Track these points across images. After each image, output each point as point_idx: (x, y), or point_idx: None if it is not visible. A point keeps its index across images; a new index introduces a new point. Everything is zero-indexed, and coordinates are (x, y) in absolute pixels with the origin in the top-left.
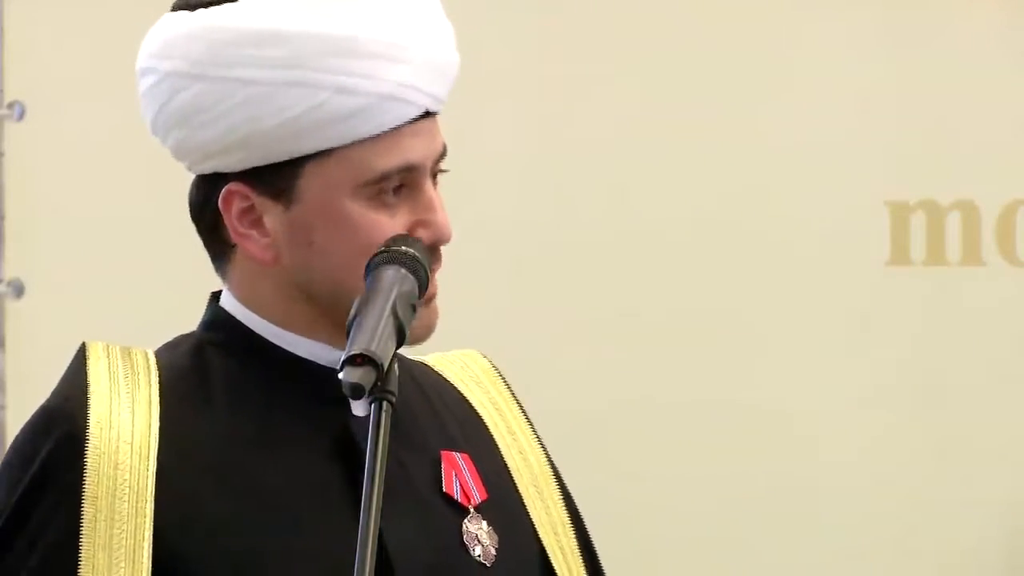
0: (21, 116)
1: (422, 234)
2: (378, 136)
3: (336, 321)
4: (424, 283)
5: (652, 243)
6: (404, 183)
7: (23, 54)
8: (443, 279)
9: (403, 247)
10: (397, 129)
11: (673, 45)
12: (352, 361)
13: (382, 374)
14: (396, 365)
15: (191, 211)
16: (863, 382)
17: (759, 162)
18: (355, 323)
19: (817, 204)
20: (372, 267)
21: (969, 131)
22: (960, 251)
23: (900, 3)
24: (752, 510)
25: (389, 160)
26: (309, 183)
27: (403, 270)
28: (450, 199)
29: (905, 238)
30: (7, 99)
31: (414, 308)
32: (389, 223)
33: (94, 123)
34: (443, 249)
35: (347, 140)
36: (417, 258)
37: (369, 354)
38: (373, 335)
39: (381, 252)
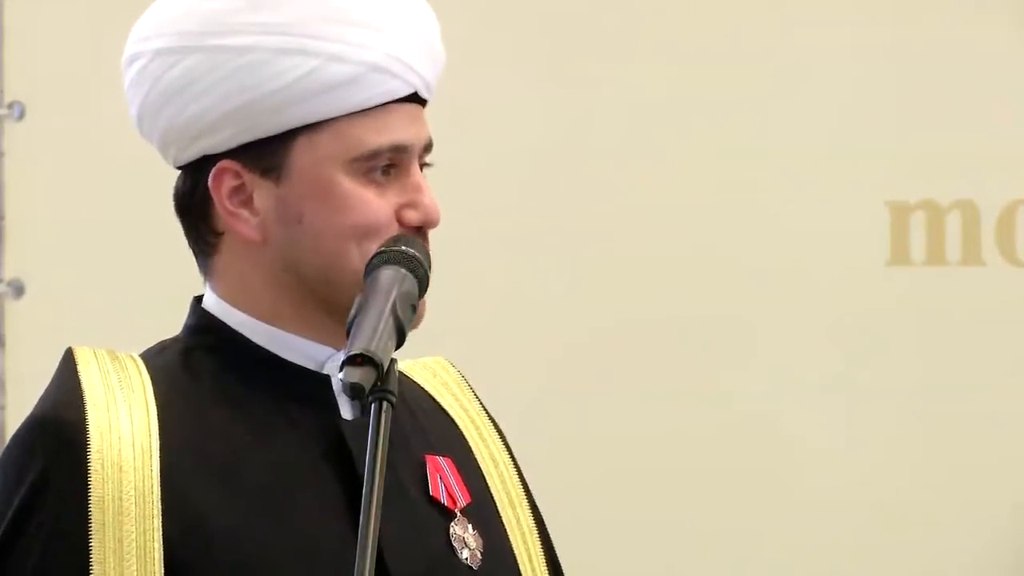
0: (21, 116)
1: (410, 216)
2: (368, 113)
3: (327, 307)
4: (424, 283)
5: (651, 243)
6: (393, 164)
7: (23, 54)
8: (444, 279)
9: (403, 247)
10: (387, 107)
11: (674, 46)
12: (352, 361)
13: (382, 374)
14: (396, 365)
15: (177, 203)
16: (863, 382)
17: (759, 162)
18: (355, 323)
19: (817, 204)
20: (372, 267)
21: (969, 131)
22: (960, 251)
23: (900, 4)
24: (751, 513)
25: (380, 137)
26: (300, 158)
27: (403, 270)
28: (454, 197)
29: (905, 238)
30: (7, 99)
31: (414, 308)
32: (378, 202)
33: (94, 123)
34: (448, 252)
35: (337, 112)
36: (417, 258)
37: (369, 354)
38: (373, 335)
39: (381, 252)
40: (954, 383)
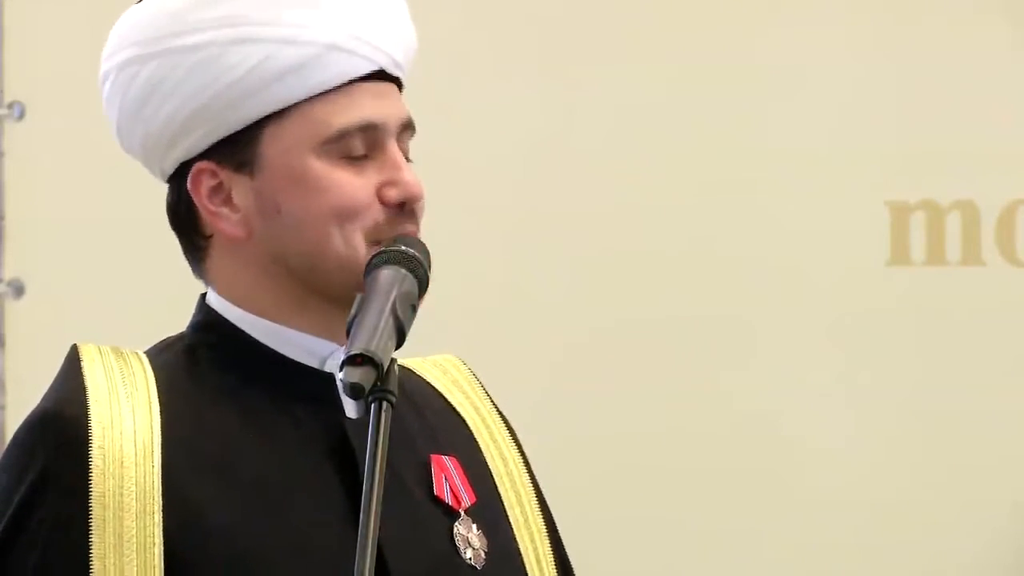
0: (21, 116)
1: (391, 194)
2: (334, 93)
3: (320, 295)
4: (424, 283)
5: (651, 243)
6: (367, 144)
7: (23, 54)
8: (444, 279)
9: (402, 247)
10: (352, 86)
11: (674, 45)
12: (352, 361)
13: (382, 374)
14: (396, 365)
15: (168, 216)
16: (863, 382)
17: (759, 162)
18: (355, 322)
19: (817, 204)
20: (372, 267)
21: (969, 131)
22: (960, 251)
23: (899, 4)
24: (751, 513)
25: (347, 117)
26: (270, 148)
27: (403, 270)
28: (455, 197)
29: (905, 238)
30: (7, 99)
31: (414, 308)
32: (356, 182)
33: (94, 123)
34: (444, 249)
35: (300, 96)
36: (417, 258)
37: (369, 354)
38: (373, 335)
39: (381, 252)
40: (954, 383)
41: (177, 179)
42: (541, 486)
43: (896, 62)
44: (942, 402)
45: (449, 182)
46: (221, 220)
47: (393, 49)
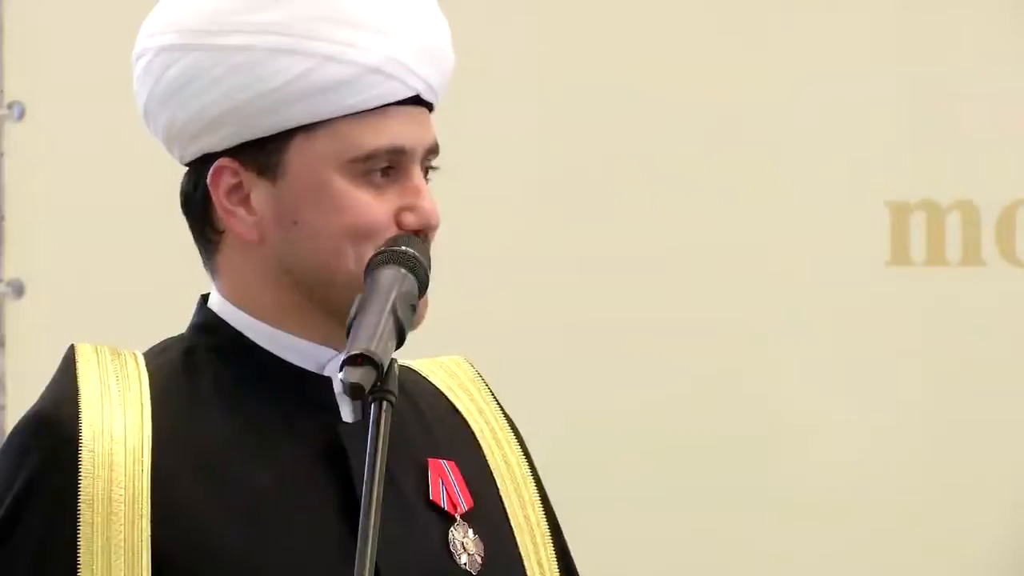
0: (21, 116)
1: (408, 219)
2: (367, 114)
3: (325, 308)
4: (424, 283)
5: (651, 244)
6: (392, 167)
7: (23, 54)
8: (444, 280)
9: (403, 247)
10: (386, 109)
11: (674, 45)
12: (352, 361)
13: (382, 374)
14: (396, 365)
15: (182, 202)
16: (863, 382)
17: (759, 162)
18: (355, 323)
19: (817, 204)
20: (372, 267)
21: (969, 131)
22: (960, 251)
23: (901, 4)
24: (751, 511)
25: (377, 139)
26: (296, 157)
27: (403, 270)
28: (454, 199)
29: (905, 238)
30: (7, 99)
31: (414, 308)
32: (375, 205)
33: (94, 123)
34: (447, 251)
35: (335, 113)
36: (417, 258)
37: (369, 354)
38: (373, 335)
39: (381, 252)
40: (954, 383)
41: (197, 167)
42: (546, 488)
43: (896, 62)
44: (942, 402)
45: (451, 182)
46: (235, 220)
47: (431, 76)
